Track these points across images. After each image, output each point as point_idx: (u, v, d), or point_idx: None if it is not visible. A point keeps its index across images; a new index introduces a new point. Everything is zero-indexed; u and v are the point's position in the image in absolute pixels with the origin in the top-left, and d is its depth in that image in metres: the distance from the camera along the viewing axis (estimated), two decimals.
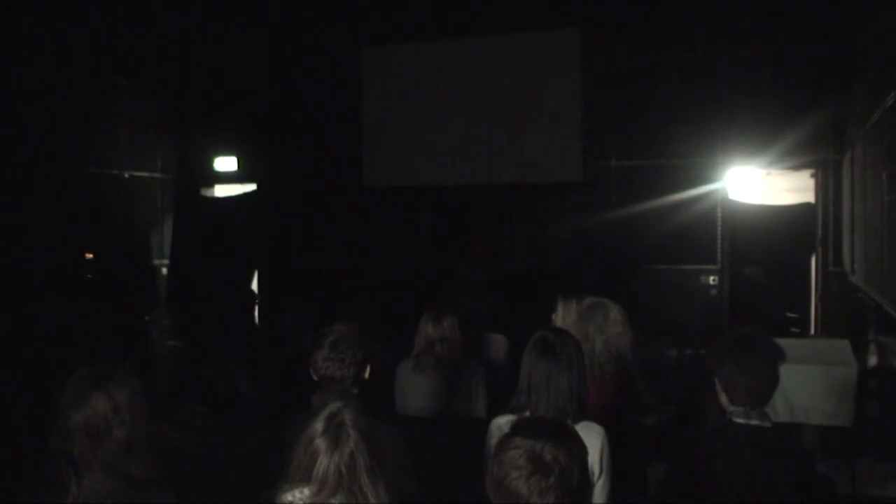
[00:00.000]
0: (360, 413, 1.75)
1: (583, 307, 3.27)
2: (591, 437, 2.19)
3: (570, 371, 2.33)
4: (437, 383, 3.45)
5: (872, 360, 4.92)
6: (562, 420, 1.94)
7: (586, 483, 1.57)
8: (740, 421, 2.18)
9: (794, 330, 6.88)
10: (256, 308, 8.27)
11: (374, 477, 1.69)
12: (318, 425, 1.71)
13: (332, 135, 8.27)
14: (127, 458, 1.82)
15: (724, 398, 2.26)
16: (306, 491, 1.69)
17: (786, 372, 3.74)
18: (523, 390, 2.36)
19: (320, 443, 1.68)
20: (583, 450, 1.59)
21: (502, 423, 2.29)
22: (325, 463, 1.66)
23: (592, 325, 3.14)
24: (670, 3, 7.08)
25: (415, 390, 3.50)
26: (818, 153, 6.79)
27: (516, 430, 1.60)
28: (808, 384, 3.75)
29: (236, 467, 2.34)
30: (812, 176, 7.35)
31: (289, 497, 1.70)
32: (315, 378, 2.54)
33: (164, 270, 8.41)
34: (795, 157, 6.80)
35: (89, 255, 7.49)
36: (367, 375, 2.64)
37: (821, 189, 7.00)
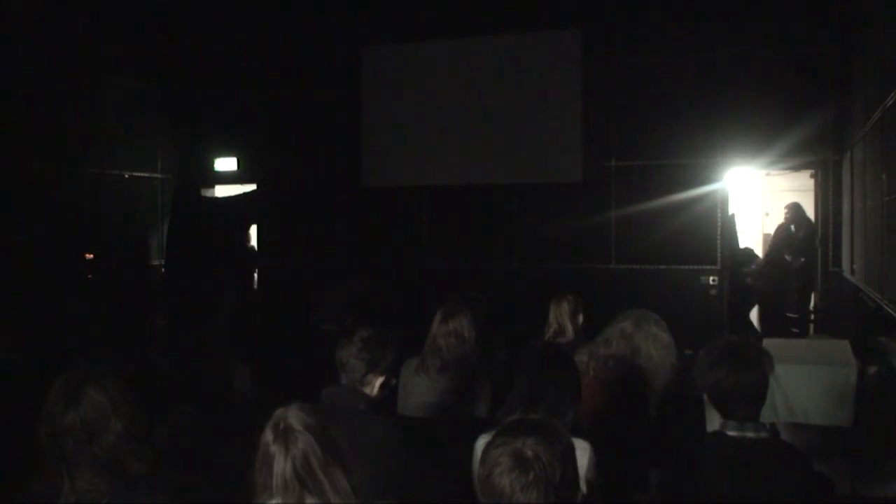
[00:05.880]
0: (307, 411, 1.76)
1: (622, 316, 3.15)
2: (578, 454, 2.15)
3: (558, 388, 2.32)
4: (439, 385, 3.44)
5: (872, 361, 4.92)
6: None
7: (572, 479, 1.57)
8: (733, 434, 2.11)
9: (793, 330, 6.89)
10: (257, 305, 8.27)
11: (330, 472, 1.71)
12: (268, 435, 1.73)
13: (332, 134, 8.27)
14: (125, 451, 1.82)
15: (714, 411, 2.20)
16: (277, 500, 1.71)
17: (786, 372, 3.74)
18: (508, 403, 2.35)
19: (274, 450, 1.71)
20: (568, 447, 1.59)
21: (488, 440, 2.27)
22: (280, 468, 1.69)
23: (619, 329, 3.05)
24: (670, 4, 7.08)
25: (417, 390, 3.49)
26: (818, 153, 6.79)
27: (502, 429, 1.61)
28: (808, 384, 3.74)
29: (226, 469, 2.34)
30: (812, 176, 7.35)
31: None
32: (335, 362, 2.65)
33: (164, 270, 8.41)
34: (795, 158, 6.80)
35: (89, 255, 7.48)
36: (378, 385, 2.68)
37: (821, 189, 7.00)
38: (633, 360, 2.97)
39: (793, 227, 7.61)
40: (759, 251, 8.16)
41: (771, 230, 8.03)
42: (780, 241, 7.33)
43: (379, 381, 2.69)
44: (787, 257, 7.32)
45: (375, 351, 2.65)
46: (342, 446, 1.77)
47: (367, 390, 2.65)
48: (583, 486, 2.16)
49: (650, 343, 3.00)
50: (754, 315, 7.81)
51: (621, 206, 7.30)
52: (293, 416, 1.74)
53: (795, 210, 7.35)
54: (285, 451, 1.69)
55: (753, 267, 7.61)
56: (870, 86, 5.24)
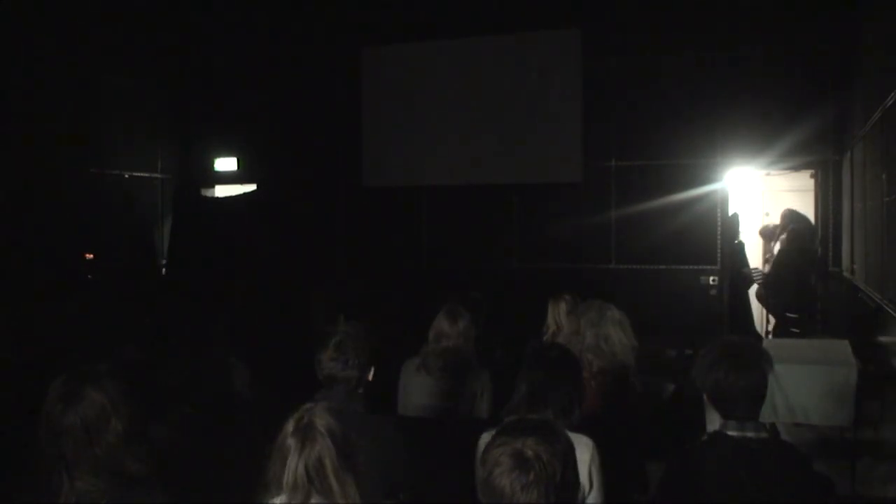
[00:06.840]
0: (333, 414, 1.76)
1: (581, 305, 3.28)
2: (580, 450, 2.16)
3: (559, 386, 2.32)
4: (441, 385, 3.44)
5: (872, 361, 4.92)
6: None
7: (572, 479, 1.57)
8: (734, 434, 2.12)
9: (793, 330, 6.88)
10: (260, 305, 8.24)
11: (342, 479, 1.71)
12: (289, 427, 1.73)
13: (332, 135, 8.27)
14: (124, 450, 1.82)
15: (714, 411, 2.20)
16: (285, 497, 1.71)
17: (786, 372, 3.75)
18: (513, 402, 2.35)
19: (290, 443, 1.71)
20: (567, 447, 1.59)
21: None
22: (293, 464, 1.69)
23: (585, 319, 3.14)
24: (670, 4, 7.08)
25: (418, 390, 3.48)
26: (818, 153, 6.79)
27: (501, 430, 1.63)
28: (808, 384, 3.75)
29: (225, 470, 2.34)
30: (812, 176, 7.35)
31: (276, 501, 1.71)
32: (320, 378, 2.56)
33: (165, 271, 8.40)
34: (795, 158, 6.80)
35: (89, 255, 7.48)
36: (370, 377, 2.66)
37: (821, 189, 7.00)
38: (607, 348, 3.06)
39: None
40: (759, 251, 8.14)
41: None
42: (783, 249, 7.29)
43: (371, 373, 2.67)
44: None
45: (360, 356, 2.56)
46: (359, 456, 1.76)
47: (361, 390, 2.63)
48: (586, 482, 2.16)
49: (617, 328, 3.10)
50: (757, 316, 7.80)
51: (621, 206, 7.30)
52: (319, 415, 1.73)
53: (791, 216, 7.31)
54: (301, 448, 1.69)
55: (755, 270, 7.59)
56: (870, 86, 5.24)
